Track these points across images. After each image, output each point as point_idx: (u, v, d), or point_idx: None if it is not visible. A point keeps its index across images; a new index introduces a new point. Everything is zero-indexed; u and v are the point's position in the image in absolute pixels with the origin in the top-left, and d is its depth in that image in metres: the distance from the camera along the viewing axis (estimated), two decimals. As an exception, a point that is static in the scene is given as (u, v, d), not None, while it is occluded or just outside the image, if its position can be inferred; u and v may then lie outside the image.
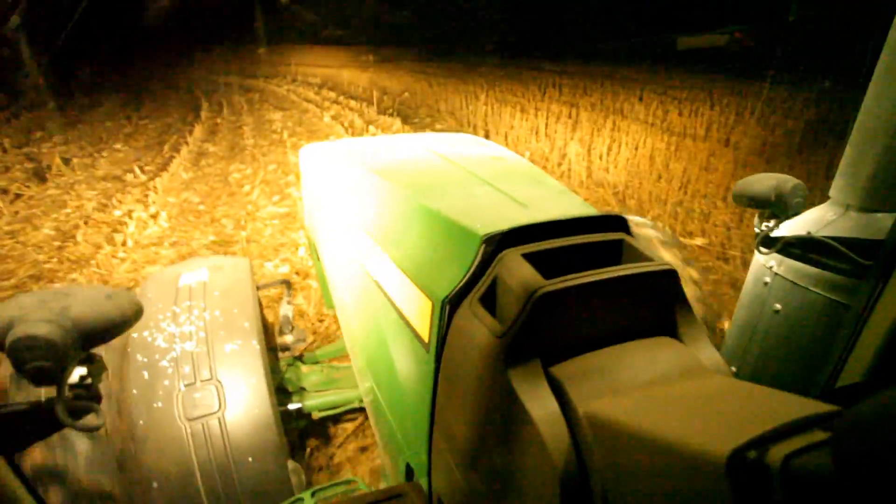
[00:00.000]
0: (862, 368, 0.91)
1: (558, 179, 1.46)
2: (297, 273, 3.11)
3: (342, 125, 6.76)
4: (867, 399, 0.28)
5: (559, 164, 5.11)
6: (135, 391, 1.05)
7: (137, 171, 4.99)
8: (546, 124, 6.25)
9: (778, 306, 1.19)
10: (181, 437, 1.01)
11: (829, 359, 0.98)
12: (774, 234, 1.15)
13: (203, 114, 7.98)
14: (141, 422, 1.02)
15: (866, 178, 1.05)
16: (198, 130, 6.83)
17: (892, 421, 0.25)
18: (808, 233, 1.10)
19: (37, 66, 8.50)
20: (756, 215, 1.16)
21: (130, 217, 3.88)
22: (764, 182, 1.11)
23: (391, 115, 7.27)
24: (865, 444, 0.26)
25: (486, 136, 5.71)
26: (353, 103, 8.17)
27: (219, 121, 7.55)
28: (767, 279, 1.22)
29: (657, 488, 0.41)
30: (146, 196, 4.35)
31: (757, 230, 1.16)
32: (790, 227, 1.16)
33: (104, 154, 5.81)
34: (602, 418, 0.48)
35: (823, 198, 1.20)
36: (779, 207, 1.10)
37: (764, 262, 1.23)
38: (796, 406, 0.39)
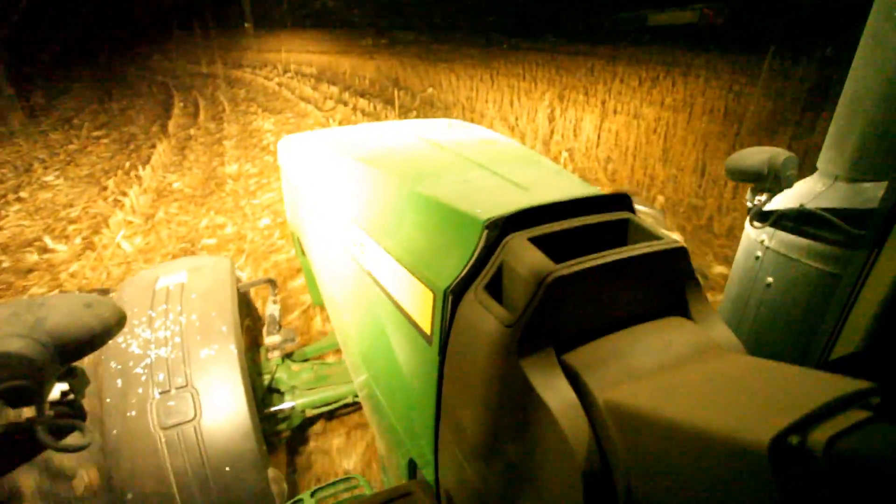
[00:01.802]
0: (857, 338, 0.92)
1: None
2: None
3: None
4: None
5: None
6: (108, 400, 1.02)
7: (49, 241, 3.16)
8: (667, 145, 4.03)
9: (770, 279, 1.19)
10: (155, 447, 0.99)
11: (823, 330, 0.99)
12: (766, 208, 1.15)
13: (173, 122, 6.32)
14: (114, 432, 0.99)
15: (853, 148, 1.06)
16: (163, 150, 5.07)
17: None
18: (801, 205, 1.10)
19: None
20: (749, 190, 1.16)
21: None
22: (756, 156, 1.10)
23: (420, 122, 5.65)
24: None
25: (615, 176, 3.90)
26: (363, 103, 6.21)
27: (193, 132, 5.91)
28: (759, 253, 1.22)
29: (689, 480, 0.39)
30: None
31: (749, 205, 1.16)
32: (781, 201, 1.16)
33: (22, 194, 4.01)
34: (623, 407, 0.46)
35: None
36: (772, 181, 1.10)
37: (755, 237, 1.24)
38: (829, 384, 0.37)
